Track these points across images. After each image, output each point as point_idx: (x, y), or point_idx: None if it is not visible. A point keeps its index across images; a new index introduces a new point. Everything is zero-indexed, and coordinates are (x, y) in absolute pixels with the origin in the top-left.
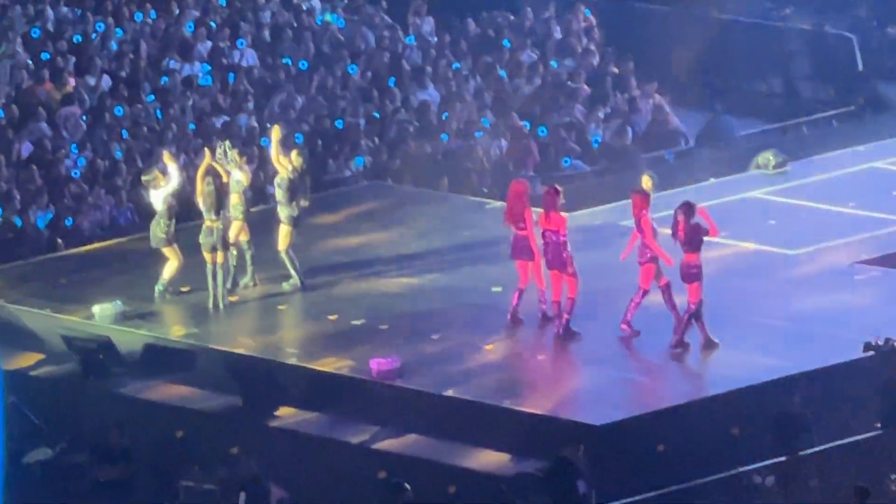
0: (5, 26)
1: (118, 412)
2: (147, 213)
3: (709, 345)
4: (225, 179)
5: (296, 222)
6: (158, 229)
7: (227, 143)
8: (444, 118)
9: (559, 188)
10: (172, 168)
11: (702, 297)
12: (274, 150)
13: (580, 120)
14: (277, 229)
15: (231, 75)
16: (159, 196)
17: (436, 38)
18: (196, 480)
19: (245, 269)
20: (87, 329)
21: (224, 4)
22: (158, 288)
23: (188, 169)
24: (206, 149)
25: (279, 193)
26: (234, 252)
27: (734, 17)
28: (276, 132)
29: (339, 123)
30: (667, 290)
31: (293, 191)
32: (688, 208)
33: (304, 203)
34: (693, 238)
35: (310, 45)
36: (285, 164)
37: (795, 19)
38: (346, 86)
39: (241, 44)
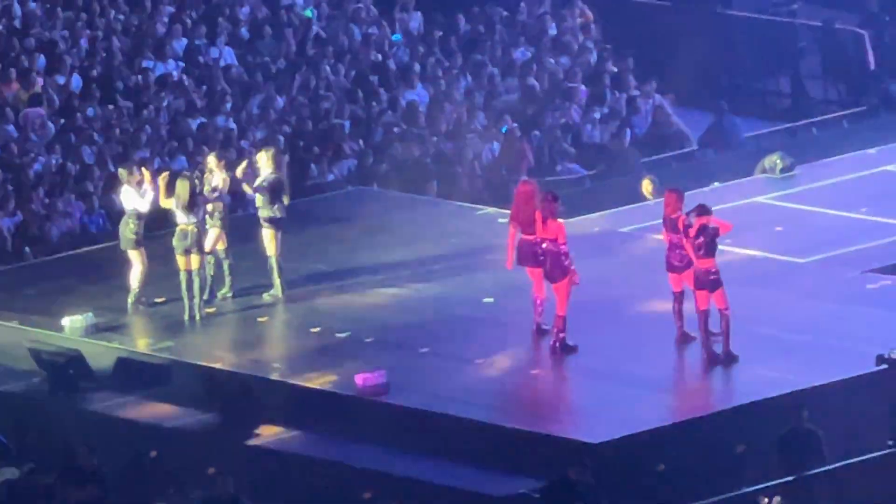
0: None
1: (89, 430)
2: (120, 220)
3: (712, 358)
4: (208, 188)
5: (278, 224)
6: (127, 230)
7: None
8: (407, 133)
9: (557, 195)
10: (147, 186)
11: (709, 306)
12: (241, 171)
13: (576, 121)
14: (260, 234)
15: (198, 82)
16: (129, 196)
17: (425, 34)
18: (171, 502)
19: (223, 279)
20: (56, 342)
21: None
22: (131, 299)
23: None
24: (165, 174)
25: (259, 198)
26: (212, 261)
27: (740, 13)
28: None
29: (322, 126)
30: (681, 298)
31: (273, 192)
32: (702, 210)
33: (285, 201)
34: (709, 242)
35: (290, 42)
36: (264, 166)
37: (804, 15)
38: (330, 86)
39: (214, 52)
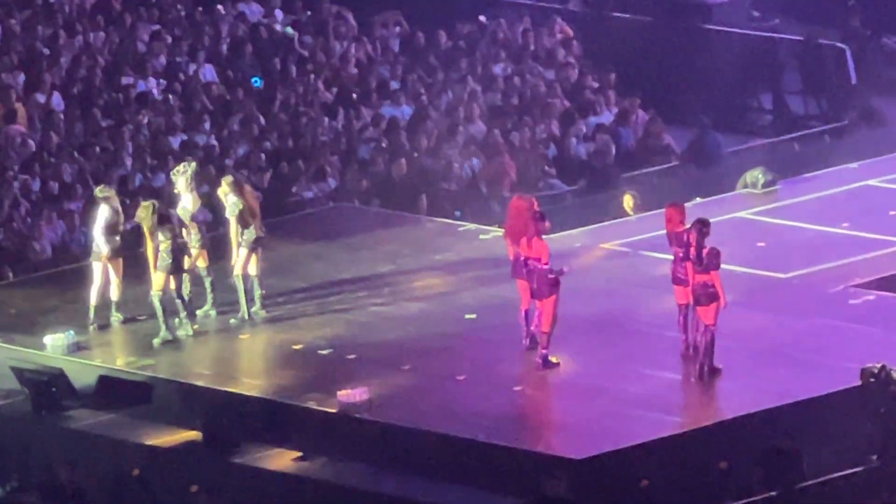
0: None
1: (71, 448)
2: None
3: (708, 373)
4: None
5: (255, 245)
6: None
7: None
8: (388, 149)
9: (543, 213)
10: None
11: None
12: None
13: (558, 136)
14: (238, 253)
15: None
16: (105, 213)
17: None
18: None
19: (204, 296)
20: (38, 360)
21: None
22: (114, 318)
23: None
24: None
25: (233, 222)
26: (186, 278)
27: (720, 28)
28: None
29: (302, 142)
30: (685, 311)
31: (242, 220)
32: (702, 226)
33: (253, 224)
34: (709, 259)
35: (271, 58)
36: (227, 196)
37: (785, 30)
38: (311, 102)
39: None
